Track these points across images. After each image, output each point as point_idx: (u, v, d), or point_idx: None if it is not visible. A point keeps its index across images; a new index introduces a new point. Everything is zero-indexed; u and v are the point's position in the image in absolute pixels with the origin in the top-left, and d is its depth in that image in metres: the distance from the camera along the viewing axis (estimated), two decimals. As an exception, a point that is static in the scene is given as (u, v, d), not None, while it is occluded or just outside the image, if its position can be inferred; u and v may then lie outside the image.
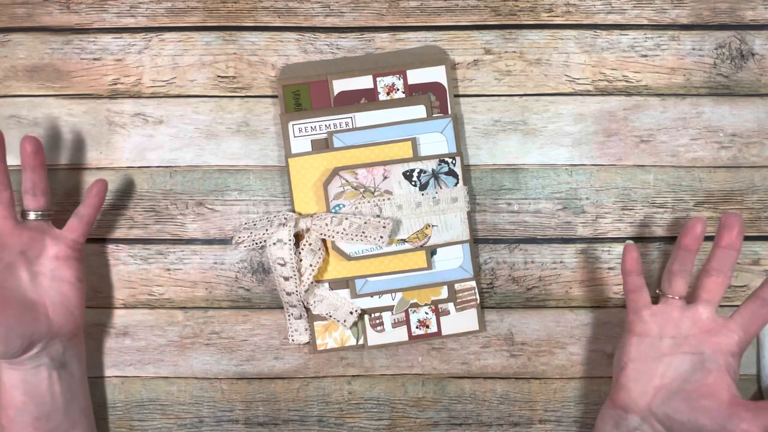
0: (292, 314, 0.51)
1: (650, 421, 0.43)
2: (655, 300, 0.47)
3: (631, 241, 0.49)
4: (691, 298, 0.46)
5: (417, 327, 0.51)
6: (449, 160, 0.50)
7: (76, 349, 0.48)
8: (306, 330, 0.51)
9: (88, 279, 0.52)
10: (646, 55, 0.52)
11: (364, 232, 0.48)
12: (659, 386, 0.44)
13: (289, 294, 0.49)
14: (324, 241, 0.50)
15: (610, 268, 0.52)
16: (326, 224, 0.49)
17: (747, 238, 0.52)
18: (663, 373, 0.44)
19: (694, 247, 0.45)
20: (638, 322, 0.46)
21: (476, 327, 0.51)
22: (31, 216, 0.47)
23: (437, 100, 0.51)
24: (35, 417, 0.45)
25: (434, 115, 0.51)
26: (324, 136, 0.51)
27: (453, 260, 0.51)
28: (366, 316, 0.51)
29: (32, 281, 0.46)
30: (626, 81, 0.52)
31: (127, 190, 0.52)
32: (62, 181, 0.52)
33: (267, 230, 0.49)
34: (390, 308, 0.51)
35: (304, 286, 0.49)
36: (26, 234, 0.47)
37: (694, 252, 0.45)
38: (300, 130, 0.51)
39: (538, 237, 0.52)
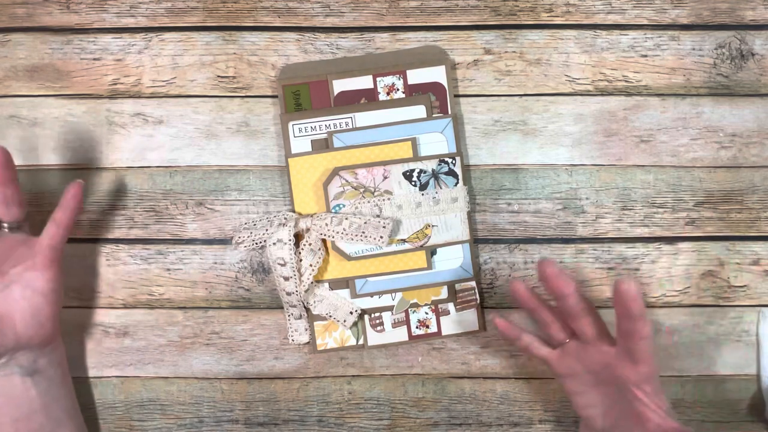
0: (292, 314, 0.51)
1: None
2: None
3: (497, 317, 0.47)
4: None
5: (417, 327, 0.51)
6: (449, 160, 0.50)
7: (51, 355, 0.47)
8: (306, 330, 0.51)
9: (88, 279, 0.52)
10: (646, 55, 0.52)
11: (364, 232, 0.48)
12: (606, 411, 0.44)
13: (289, 294, 0.49)
14: (324, 241, 0.50)
15: (610, 268, 0.52)
16: (326, 224, 0.49)
17: (747, 238, 0.52)
18: (601, 400, 0.44)
19: (542, 303, 0.45)
20: (554, 367, 0.46)
21: (476, 327, 0.51)
22: (5, 228, 0.46)
23: (437, 100, 0.51)
24: (14, 418, 0.45)
25: (434, 115, 0.51)
26: (324, 136, 0.51)
27: (453, 260, 0.51)
28: (366, 316, 0.51)
29: (2, 292, 0.44)
30: (626, 81, 0.52)
31: (127, 190, 0.52)
32: (62, 181, 0.52)
33: (267, 230, 0.49)
34: (390, 308, 0.51)
35: (304, 286, 0.49)
36: (0, 246, 0.45)
37: (545, 305, 0.45)
38: (300, 130, 0.51)
39: (538, 237, 0.52)
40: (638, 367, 0.41)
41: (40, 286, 0.45)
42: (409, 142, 0.50)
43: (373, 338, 0.51)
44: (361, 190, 0.50)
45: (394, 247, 0.50)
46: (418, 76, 0.51)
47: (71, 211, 0.47)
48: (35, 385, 0.46)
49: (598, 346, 0.43)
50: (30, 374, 0.45)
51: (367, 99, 0.51)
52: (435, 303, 0.51)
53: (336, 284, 0.51)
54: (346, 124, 0.51)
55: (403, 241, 0.50)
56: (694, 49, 0.52)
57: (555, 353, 0.45)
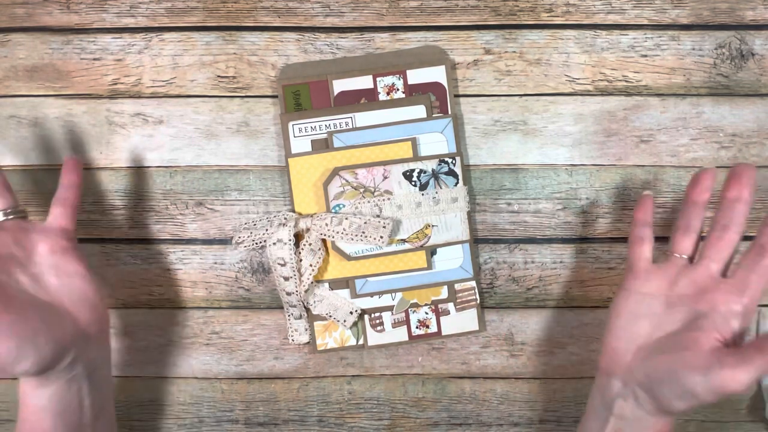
0: (292, 314, 0.51)
1: (631, 385, 0.39)
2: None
3: (649, 192, 0.46)
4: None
5: (417, 327, 0.51)
6: (449, 160, 0.50)
7: (106, 351, 0.44)
8: (306, 330, 0.51)
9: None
10: (646, 55, 0.52)
11: (364, 232, 0.48)
12: (642, 345, 0.40)
13: (289, 294, 0.49)
14: (324, 241, 0.50)
15: (610, 268, 0.52)
16: (326, 224, 0.49)
17: (747, 238, 0.52)
18: (649, 333, 0.40)
19: (701, 201, 0.42)
20: (631, 277, 0.42)
21: (476, 327, 0.51)
22: (1, 216, 0.43)
23: (437, 100, 0.51)
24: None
25: (434, 115, 0.51)
26: (324, 136, 0.51)
27: (453, 260, 0.51)
28: (366, 316, 0.51)
29: (36, 284, 0.41)
30: (626, 81, 0.52)
31: (127, 190, 0.52)
32: (62, 181, 0.52)
33: (267, 230, 0.49)
34: (390, 308, 0.51)
35: (304, 286, 0.49)
36: (5, 236, 0.41)
37: (702, 206, 0.42)
38: (300, 130, 0.51)
39: (538, 237, 0.52)
40: (749, 293, 0.38)
41: (73, 268, 0.42)
42: (409, 142, 0.50)
43: (373, 338, 0.51)
44: (361, 190, 0.50)
45: (394, 247, 0.50)
46: (418, 76, 0.51)
47: (74, 187, 0.45)
48: (90, 393, 0.42)
49: (707, 269, 0.40)
50: (88, 376, 0.42)
51: (367, 99, 0.51)
52: (435, 303, 0.51)
53: (336, 284, 0.51)
54: (346, 124, 0.51)
55: (403, 241, 0.50)
56: (694, 49, 0.52)
57: (652, 266, 0.42)
